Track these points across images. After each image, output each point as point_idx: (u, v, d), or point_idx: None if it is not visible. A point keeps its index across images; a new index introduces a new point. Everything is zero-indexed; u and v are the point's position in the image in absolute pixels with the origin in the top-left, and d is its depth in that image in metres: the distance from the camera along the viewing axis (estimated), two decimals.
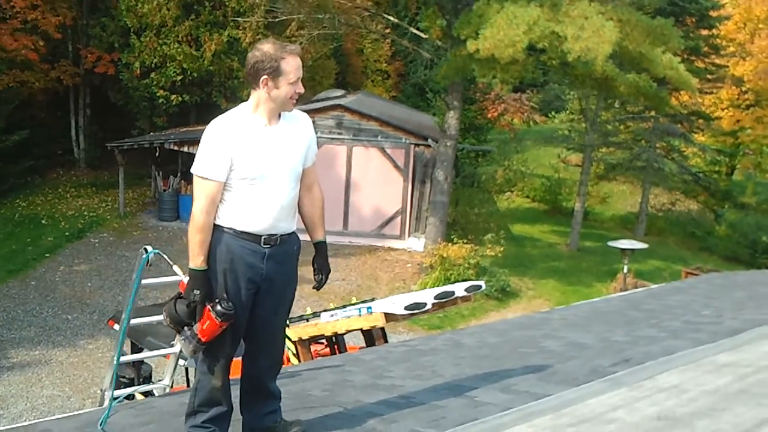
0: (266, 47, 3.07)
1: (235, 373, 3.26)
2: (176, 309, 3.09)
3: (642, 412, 3.34)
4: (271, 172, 3.09)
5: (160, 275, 4.59)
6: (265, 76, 3.05)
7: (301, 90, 3.11)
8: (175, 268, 3.88)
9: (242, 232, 3.07)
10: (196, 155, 3.12)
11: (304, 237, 3.32)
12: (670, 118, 25.59)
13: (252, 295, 3.12)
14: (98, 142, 23.89)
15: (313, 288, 3.35)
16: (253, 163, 3.06)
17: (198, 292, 3.02)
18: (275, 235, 3.12)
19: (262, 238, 3.09)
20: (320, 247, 3.34)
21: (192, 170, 3.11)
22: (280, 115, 3.18)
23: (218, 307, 3.00)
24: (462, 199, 23.62)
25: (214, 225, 3.08)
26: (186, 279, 3.14)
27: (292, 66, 3.06)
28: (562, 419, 3.34)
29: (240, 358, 3.32)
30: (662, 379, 3.95)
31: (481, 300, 16.24)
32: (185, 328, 3.08)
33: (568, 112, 30.11)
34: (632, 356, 4.53)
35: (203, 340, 3.03)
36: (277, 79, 3.05)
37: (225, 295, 3.04)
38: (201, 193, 3.07)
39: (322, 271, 3.31)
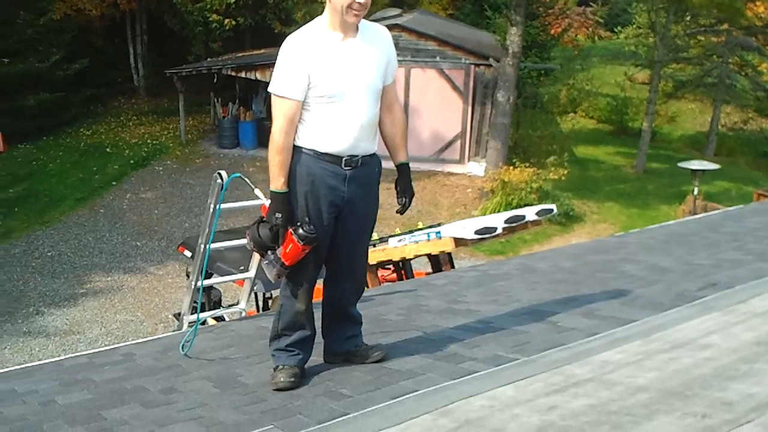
0: None
1: (317, 297, 3.22)
2: (259, 233, 3.03)
3: (739, 338, 3.19)
4: (350, 90, 2.96)
5: (228, 201, 4.55)
6: None
7: (362, 0, 2.89)
8: (257, 191, 3.81)
9: (323, 154, 2.97)
10: (273, 74, 3.00)
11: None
12: (745, 31, 24.16)
13: (334, 218, 3.04)
14: (157, 68, 24.03)
15: (397, 212, 3.25)
16: (331, 80, 2.93)
17: (280, 215, 2.96)
18: (356, 156, 3.01)
19: (343, 159, 2.98)
20: (403, 169, 3.21)
21: (269, 89, 2.99)
22: (358, 29, 3.01)
23: (300, 231, 2.93)
24: (524, 121, 23.06)
25: (294, 146, 2.99)
26: (267, 202, 3.07)
27: None
28: (652, 345, 3.22)
29: (322, 283, 3.27)
30: (755, 303, 3.77)
31: (544, 225, 15.95)
32: (269, 252, 3.03)
33: (635, 26, 28.67)
34: (719, 280, 4.34)
35: (287, 263, 2.98)
36: None
37: (307, 219, 2.97)
38: (279, 112, 2.95)
39: (405, 194, 3.20)
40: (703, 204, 17.12)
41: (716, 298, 3.90)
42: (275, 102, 2.97)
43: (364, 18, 3.04)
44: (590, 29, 30.53)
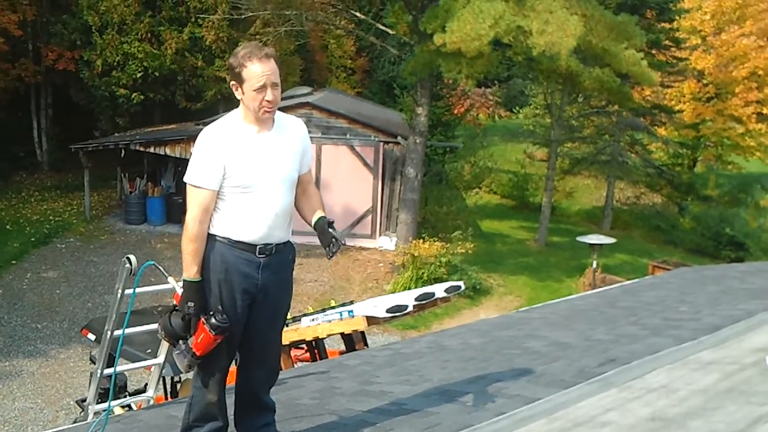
0: (239, 52, 3.05)
1: (230, 381, 3.21)
2: (171, 322, 3.03)
3: (635, 414, 3.37)
4: (264, 180, 3.05)
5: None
6: (234, 82, 3.06)
7: (270, 98, 3.00)
8: (170, 279, 3.78)
9: (237, 242, 3.03)
10: (189, 164, 3.07)
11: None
12: (633, 112, 25.90)
13: (247, 306, 3.07)
14: (61, 143, 23.43)
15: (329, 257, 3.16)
16: (246, 171, 3.02)
17: (192, 304, 2.97)
18: (270, 244, 3.07)
19: (257, 247, 3.05)
20: (320, 222, 3.15)
21: (185, 179, 3.06)
22: (273, 121, 3.13)
23: (212, 320, 2.95)
24: (431, 196, 23.66)
25: (209, 234, 3.04)
26: (180, 290, 3.08)
27: (252, 73, 2.99)
28: (555, 423, 3.36)
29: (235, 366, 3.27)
30: (651, 378, 3.99)
31: (454, 299, 16.29)
32: (180, 341, 3.02)
33: (532, 107, 30.37)
34: (617, 356, 4.57)
35: (198, 353, 2.98)
36: (242, 87, 3.03)
37: (220, 307, 2.99)
38: (194, 202, 3.02)
39: (334, 239, 3.12)
40: (601, 276, 17.87)
41: (614, 374, 4.10)
42: (190, 191, 3.03)
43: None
44: (490, 109, 32.10)
